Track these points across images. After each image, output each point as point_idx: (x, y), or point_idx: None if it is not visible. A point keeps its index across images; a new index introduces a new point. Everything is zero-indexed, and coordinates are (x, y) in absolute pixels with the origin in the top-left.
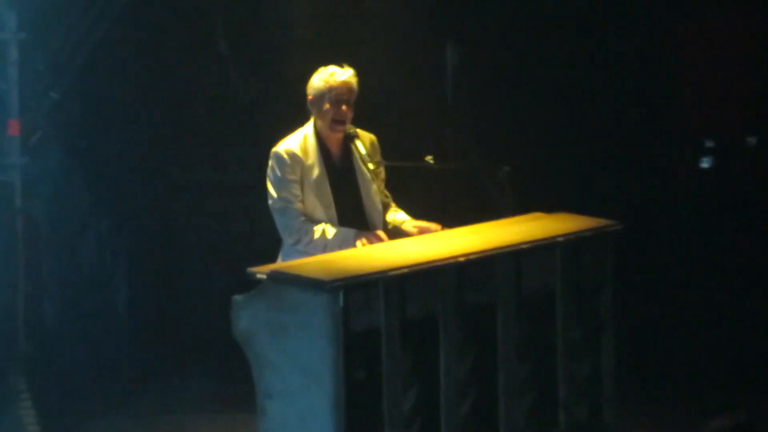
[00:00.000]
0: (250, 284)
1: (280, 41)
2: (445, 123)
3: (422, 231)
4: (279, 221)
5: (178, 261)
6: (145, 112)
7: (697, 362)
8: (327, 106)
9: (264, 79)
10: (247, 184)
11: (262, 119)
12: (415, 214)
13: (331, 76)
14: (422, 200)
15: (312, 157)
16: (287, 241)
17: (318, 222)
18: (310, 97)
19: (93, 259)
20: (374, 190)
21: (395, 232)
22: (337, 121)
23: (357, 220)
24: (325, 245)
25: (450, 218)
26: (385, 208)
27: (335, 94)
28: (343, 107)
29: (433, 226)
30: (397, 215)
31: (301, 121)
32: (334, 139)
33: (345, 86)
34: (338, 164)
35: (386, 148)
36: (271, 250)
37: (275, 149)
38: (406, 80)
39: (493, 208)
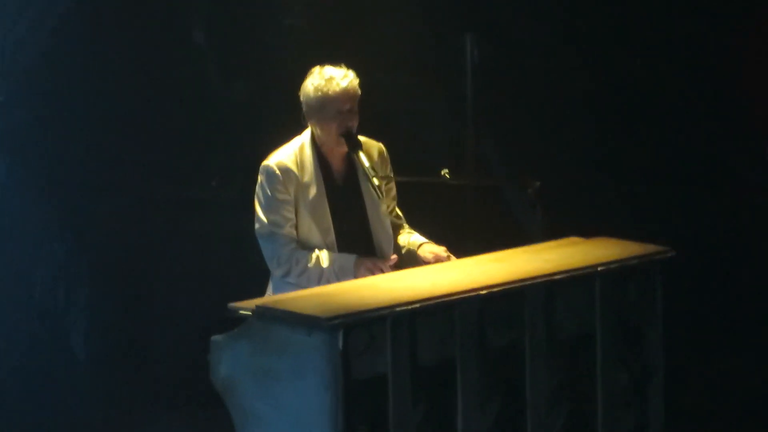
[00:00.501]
0: (233, 322)
1: (269, 32)
2: (463, 130)
3: (438, 259)
4: (266, 249)
5: (147, 293)
6: (109, 117)
7: (761, 414)
8: (329, 119)
9: (251, 78)
10: (231, 202)
11: (248, 126)
12: (428, 238)
13: (328, 84)
14: (437, 222)
15: (309, 172)
16: (275, 272)
17: (313, 250)
18: (305, 106)
19: (46, 289)
20: (383, 211)
21: (410, 257)
22: (347, 134)
23: (362, 247)
24: (321, 276)
25: (470, 243)
26: (397, 230)
27: (337, 106)
28: (349, 118)
29: (446, 254)
30: (411, 237)
31: (296, 128)
32: (337, 152)
33: (347, 94)
34: (340, 181)
35: (395, 160)
36: (258, 281)
37: (265, 163)
38: (417, 79)
39: (521, 231)
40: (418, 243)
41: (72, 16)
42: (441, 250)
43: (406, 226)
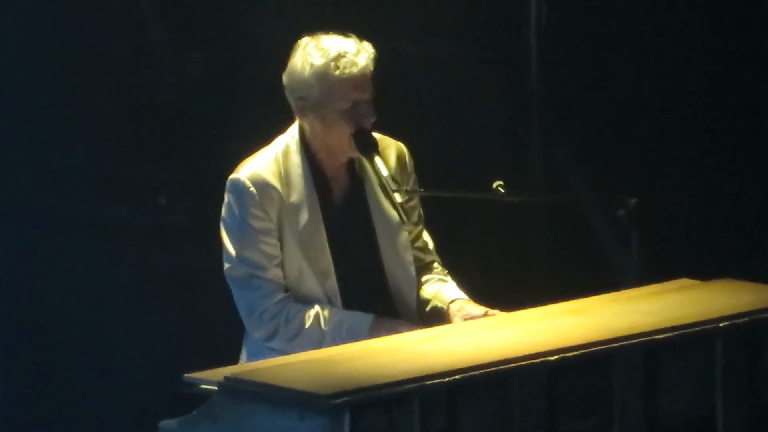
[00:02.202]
0: (190, 399)
1: None
2: (526, 125)
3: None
4: (241, 299)
5: (66, 354)
6: (11, 110)
7: None
8: (338, 114)
9: (212, 49)
10: (184, 228)
11: (209, 119)
12: (473, 281)
13: (337, 62)
14: (484, 257)
15: (298, 189)
16: (255, 332)
17: (307, 301)
18: (295, 96)
19: None
20: (403, 240)
21: (436, 317)
22: (359, 133)
23: (373, 295)
24: (320, 343)
25: (534, 287)
26: (422, 271)
27: (352, 95)
28: (369, 113)
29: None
30: (443, 288)
31: (277, 124)
32: (337, 158)
33: (366, 77)
34: (341, 200)
35: (425, 167)
36: (226, 340)
37: (234, 176)
38: (458, 52)
39: (610, 269)
40: (450, 299)
41: None
42: (481, 312)
43: (437, 264)
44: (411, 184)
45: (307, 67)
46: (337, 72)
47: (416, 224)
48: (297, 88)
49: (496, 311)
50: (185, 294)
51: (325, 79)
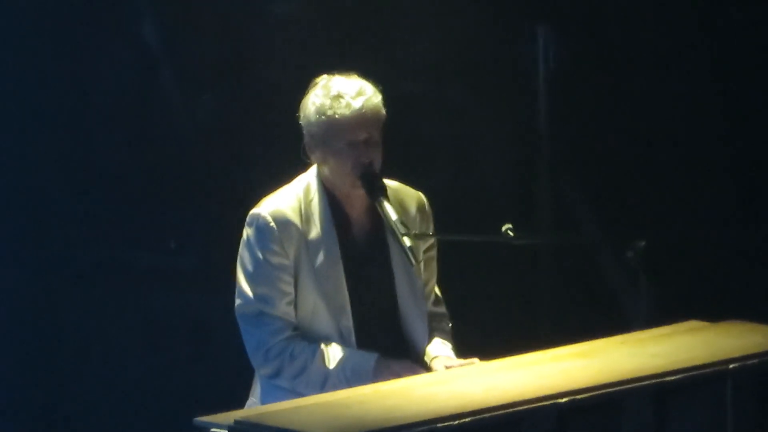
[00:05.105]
0: None
1: (250, 25)
2: (535, 166)
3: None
4: (250, 336)
5: (78, 397)
6: (22, 153)
7: None
8: (338, 151)
9: (224, 91)
10: (196, 272)
11: (221, 161)
12: (482, 324)
13: (335, 103)
14: (494, 299)
15: (317, 227)
16: (261, 369)
17: (320, 339)
18: (306, 133)
19: None
20: (420, 286)
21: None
22: (364, 176)
23: (387, 335)
24: (325, 380)
25: (542, 328)
26: (431, 321)
27: (349, 135)
28: (367, 152)
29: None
30: (434, 344)
31: (288, 169)
32: (356, 198)
33: (361, 119)
34: (362, 240)
35: (435, 211)
36: (236, 383)
37: (256, 211)
38: (467, 93)
39: (618, 311)
40: (433, 355)
41: None
42: (457, 364)
43: (446, 319)
44: (428, 228)
45: (311, 105)
46: (331, 112)
47: (432, 275)
48: (304, 124)
49: (475, 360)
50: (195, 337)
51: (323, 117)
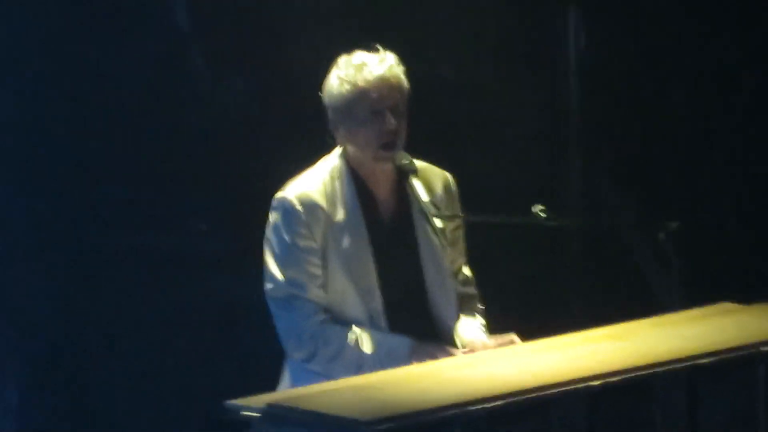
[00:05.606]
0: (233, 427)
1: (276, 10)
2: (565, 148)
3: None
4: (281, 319)
5: (105, 388)
6: (49, 139)
7: None
8: (363, 121)
9: (251, 79)
10: (225, 255)
11: (250, 144)
12: (513, 306)
13: (358, 72)
14: (526, 282)
15: (343, 209)
16: (294, 353)
17: (349, 322)
18: (330, 110)
19: None
20: (447, 267)
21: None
22: (387, 145)
23: (416, 317)
24: (360, 364)
25: (574, 311)
26: (462, 303)
27: (373, 102)
28: (391, 119)
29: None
30: (467, 326)
31: (315, 151)
32: (382, 177)
33: (386, 83)
34: (388, 221)
35: (465, 192)
36: (267, 366)
37: (281, 195)
38: (496, 75)
39: (650, 294)
40: (464, 337)
41: None
42: (493, 343)
43: (473, 293)
44: (455, 209)
45: (335, 79)
46: (355, 79)
47: (460, 255)
48: (329, 102)
49: (512, 334)
50: (226, 320)
51: (347, 87)
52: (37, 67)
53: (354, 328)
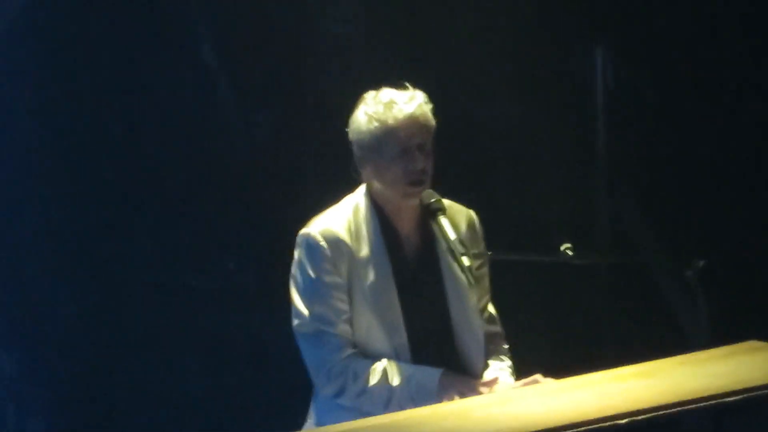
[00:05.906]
0: None
1: (304, 44)
2: (593, 186)
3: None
4: (310, 355)
5: (138, 418)
6: (80, 174)
7: None
8: (391, 159)
9: (279, 109)
10: (253, 292)
11: (277, 179)
12: (541, 344)
13: (387, 110)
14: (552, 320)
15: (368, 245)
16: (323, 389)
17: (376, 357)
18: (356, 146)
19: None
20: (473, 304)
21: None
22: (415, 182)
23: (442, 354)
24: (390, 398)
25: (602, 349)
26: (486, 340)
27: (401, 141)
28: (419, 158)
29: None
30: (495, 371)
31: (344, 186)
32: (407, 214)
33: (416, 122)
34: (412, 257)
35: (492, 230)
36: (293, 402)
37: (305, 231)
38: (523, 112)
39: (677, 332)
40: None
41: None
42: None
43: (501, 338)
44: (480, 248)
45: (362, 116)
46: (384, 117)
47: (486, 292)
48: (355, 139)
49: (538, 376)
50: (254, 356)
51: (375, 124)
52: (70, 107)
53: (383, 360)
